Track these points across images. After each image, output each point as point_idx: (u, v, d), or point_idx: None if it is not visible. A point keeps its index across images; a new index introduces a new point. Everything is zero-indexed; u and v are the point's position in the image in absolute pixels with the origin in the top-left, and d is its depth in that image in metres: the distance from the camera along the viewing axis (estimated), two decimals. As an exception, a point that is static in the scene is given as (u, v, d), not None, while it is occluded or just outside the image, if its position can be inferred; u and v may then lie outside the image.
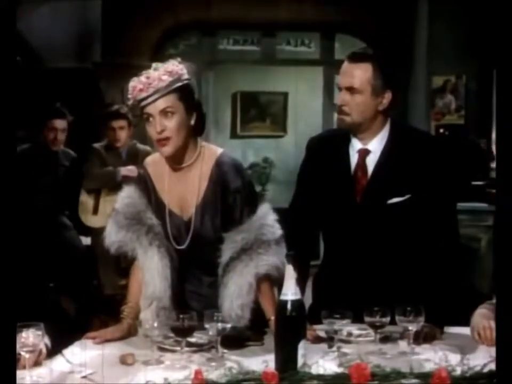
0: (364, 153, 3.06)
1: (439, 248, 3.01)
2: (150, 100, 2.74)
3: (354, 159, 3.07)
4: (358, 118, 3.00)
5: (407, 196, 3.01)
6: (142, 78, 2.76)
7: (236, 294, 2.78)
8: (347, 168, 3.07)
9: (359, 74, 2.96)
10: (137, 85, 2.76)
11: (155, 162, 2.96)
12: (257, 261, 2.80)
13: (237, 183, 2.86)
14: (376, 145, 3.06)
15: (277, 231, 2.84)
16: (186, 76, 2.80)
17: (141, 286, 2.92)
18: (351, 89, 2.98)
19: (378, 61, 2.98)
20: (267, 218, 2.84)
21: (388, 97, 3.01)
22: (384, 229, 3.03)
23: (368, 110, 3.00)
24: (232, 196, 2.84)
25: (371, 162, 3.06)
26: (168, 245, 2.90)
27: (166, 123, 2.76)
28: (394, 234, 3.04)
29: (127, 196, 2.94)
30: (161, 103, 2.75)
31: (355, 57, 3.00)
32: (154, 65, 2.81)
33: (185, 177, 2.89)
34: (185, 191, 2.89)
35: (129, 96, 2.79)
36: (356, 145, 3.08)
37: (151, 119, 2.77)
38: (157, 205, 2.92)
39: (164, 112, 2.75)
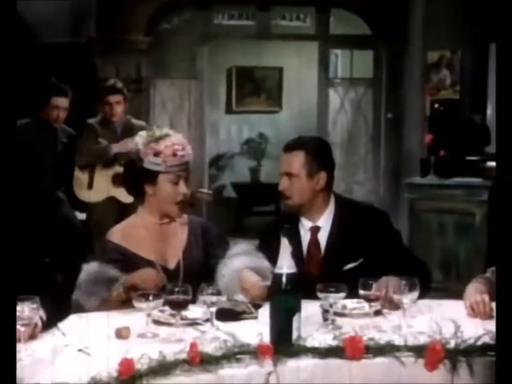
0: (315, 230, 3.33)
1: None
2: (183, 167, 3.16)
3: (306, 236, 3.32)
4: (298, 199, 3.29)
5: (360, 260, 3.23)
6: (174, 146, 3.13)
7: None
8: (298, 246, 3.24)
9: (293, 161, 3.28)
10: (171, 150, 3.12)
11: (123, 229, 3.24)
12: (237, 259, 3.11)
13: (215, 229, 3.33)
14: (324, 221, 3.33)
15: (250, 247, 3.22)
16: None
17: None
18: (289, 175, 3.28)
19: (308, 148, 3.28)
20: (240, 245, 3.21)
21: (323, 177, 3.29)
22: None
23: (306, 191, 3.28)
24: (215, 239, 3.27)
25: (323, 237, 3.31)
26: None
27: (186, 188, 3.18)
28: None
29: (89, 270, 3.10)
30: (187, 173, 3.18)
31: (289, 147, 3.32)
32: (168, 131, 3.20)
33: (166, 231, 3.22)
34: (166, 243, 3.20)
35: (161, 155, 3.11)
36: (306, 224, 3.34)
37: (176, 181, 3.14)
38: (140, 263, 3.11)
39: (186, 180, 3.18)
